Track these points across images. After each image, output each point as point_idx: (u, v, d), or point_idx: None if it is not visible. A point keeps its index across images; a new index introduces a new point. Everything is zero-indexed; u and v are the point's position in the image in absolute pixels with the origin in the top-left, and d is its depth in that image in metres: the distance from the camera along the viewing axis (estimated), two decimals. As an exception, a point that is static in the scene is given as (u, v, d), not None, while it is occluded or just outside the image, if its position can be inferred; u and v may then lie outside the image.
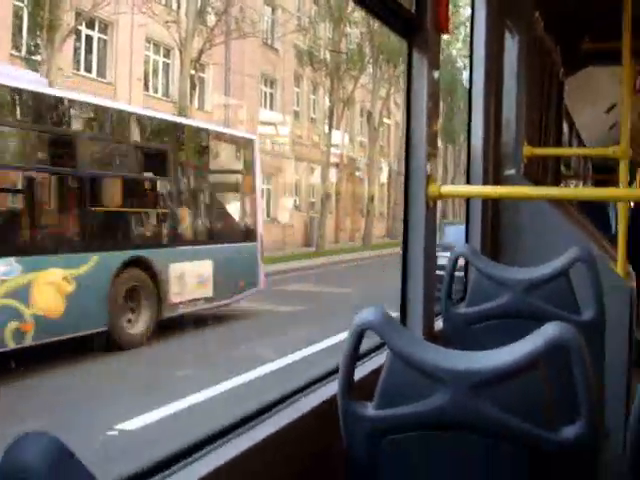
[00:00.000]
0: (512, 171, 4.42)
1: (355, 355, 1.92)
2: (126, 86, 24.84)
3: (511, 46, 4.55)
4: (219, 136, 15.63)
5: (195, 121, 18.15)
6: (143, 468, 1.63)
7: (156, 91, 27.07)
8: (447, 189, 3.19)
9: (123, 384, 9.36)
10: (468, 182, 4.09)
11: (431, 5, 3.05)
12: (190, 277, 13.03)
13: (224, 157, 15.75)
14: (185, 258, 13.05)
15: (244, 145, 15.88)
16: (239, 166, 15.72)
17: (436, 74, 3.09)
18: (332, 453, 2.07)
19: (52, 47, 17.91)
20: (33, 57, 18.46)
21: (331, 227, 35.45)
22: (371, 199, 37.12)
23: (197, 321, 13.30)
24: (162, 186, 13.54)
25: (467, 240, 4.03)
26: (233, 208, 15.79)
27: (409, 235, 3.04)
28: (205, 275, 13.40)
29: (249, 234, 15.50)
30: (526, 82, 4.61)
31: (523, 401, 1.78)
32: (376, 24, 33.83)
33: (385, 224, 42.59)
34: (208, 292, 13.45)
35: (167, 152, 13.35)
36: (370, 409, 1.89)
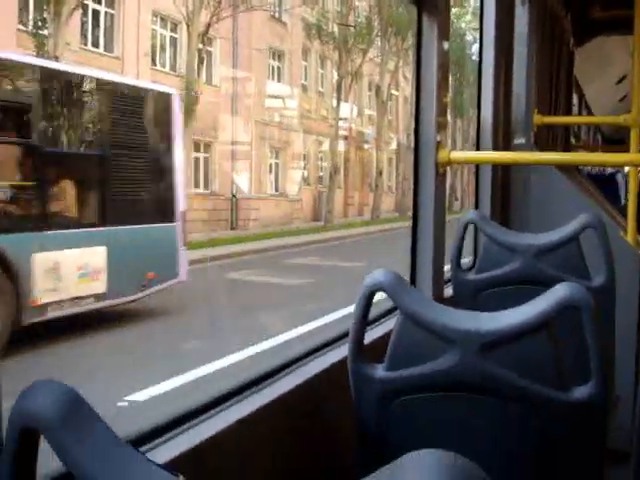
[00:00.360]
0: (522, 140, 4.41)
1: (365, 316, 1.92)
2: (134, 60, 24.76)
3: (521, 15, 4.52)
4: (116, 88, 12.25)
5: (79, 67, 14.14)
6: (151, 427, 1.64)
7: (164, 65, 26.98)
8: (457, 155, 3.18)
9: None
10: (478, 149, 4.08)
11: None
12: (69, 269, 10.13)
13: (128, 114, 11.94)
14: (60, 245, 10.11)
15: (157, 100, 12.75)
16: (149, 126, 12.37)
17: (446, 43, 3.08)
18: (342, 415, 2.08)
19: (59, 21, 17.80)
20: (40, 31, 18.36)
21: (340, 201, 35.41)
22: (379, 173, 37.03)
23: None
24: (24, 152, 10.32)
25: (476, 207, 4.04)
26: (141, 180, 12.15)
27: (419, 201, 3.04)
28: (93, 266, 10.48)
29: (164, 213, 12.13)
30: (536, 51, 4.58)
31: (533, 362, 1.79)
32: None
33: (394, 198, 42.48)
34: (99, 287, 10.57)
35: (31, 107, 10.21)
36: (380, 371, 1.90)
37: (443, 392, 1.85)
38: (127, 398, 7.53)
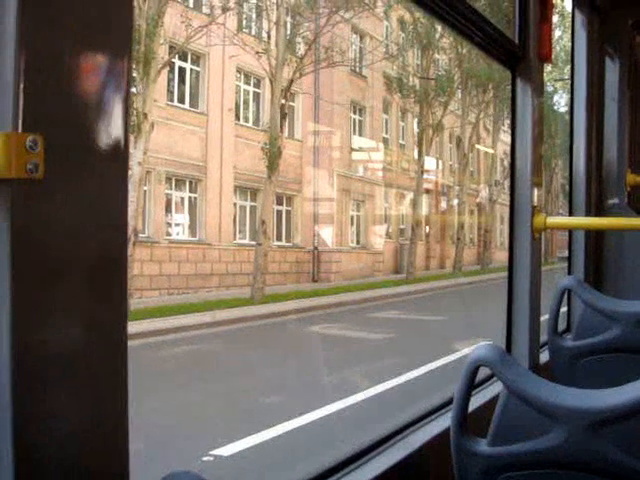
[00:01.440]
0: (615, 200, 4.33)
1: (469, 391, 1.90)
2: (218, 116, 25.29)
3: (611, 71, 4.47)
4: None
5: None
6: None
7: (247, 120, 27.48)
8: (552, 221, 3.15)
9: None
10: (571, 212, 4.03)
11: (534, 35, 3.04)
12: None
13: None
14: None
15: None
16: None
17: (540, 102, 3.07)
18: None
19: (147, 79, 18.36)
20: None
21: (421, 254, 35.26)
22: (461, 226, 36.82)
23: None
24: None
25: (570, 271, 3.97)
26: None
27: (514, 266, 3.01)
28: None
29: None
30: (628, 107, 4.52)
31: None
32: (464, 49, 33.76)
33: (475, 251, 42.12)
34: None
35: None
36: (484, 446, 1.87)
37: (549, 470, 1.80)
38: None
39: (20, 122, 0.90)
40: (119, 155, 1.03)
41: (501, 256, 35.26)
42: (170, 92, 24.16)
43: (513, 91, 3.07)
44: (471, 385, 1.90)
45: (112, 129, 1.02)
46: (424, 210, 35.91)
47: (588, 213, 3.95)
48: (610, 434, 1.72)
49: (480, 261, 40.19)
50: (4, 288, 0.91)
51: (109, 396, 1.04)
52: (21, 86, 0.90)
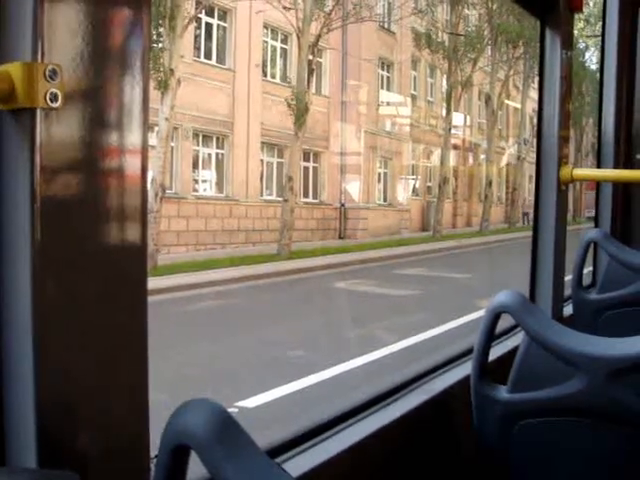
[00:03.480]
0: None
1: (490, 338, 1.91)
2: (245, 72, 25.18)
3: None
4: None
5: None
6: (280, 442, 1.67)
7: (274, 77, 27.35)
8: (580, 172, 3.12)
9: None
10: (599, 165, 3.99)
11: None
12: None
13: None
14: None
15: None
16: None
17: (569, 54, 3.02)
18: (463, 434, 2.06)
19: (174, 35, 18.30)
20: (155, 45, 18.88)
21: (448, 212, 35.14)
22: (489, 184, 36.59)
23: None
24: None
25: (597, 224, 3.94)
26: None
27: (540, 218, 2.99)
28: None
29: None
30: None
31: None
32: (494, 5, 33.28)
33: (503, 209, 41.92)
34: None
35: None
36: (504, 392, 1.88)
37: (567, 417, 1.82)
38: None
39: (40, 52, 0.91)
40: (138, 90, 1.03)
41: (529, 214, 35.04)
42: (197, 48, 24.07)
43: (542, 41, 3.03)
44: (492, 331, 1.91)
45: (132, 64, 1.02)
46: (451, 168, 35.68)
47: (616, 166, 3.90)
48: (630, 382, 1.73)
49: (507, 219, 40.00)
50: (25, 219, 0.92)
51: (128, 352, 1.05)
52: (41, 16, 0.90)
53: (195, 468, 1.01)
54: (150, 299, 1.09)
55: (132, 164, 1.03)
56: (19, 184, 0.93)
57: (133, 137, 1.03)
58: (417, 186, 35.04)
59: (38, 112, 0.91)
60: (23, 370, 0.94)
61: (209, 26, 24.64)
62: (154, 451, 1.01)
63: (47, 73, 0.89)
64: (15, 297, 0.95)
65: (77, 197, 0.96)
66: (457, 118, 34.90)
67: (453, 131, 33.71)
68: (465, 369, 2.16)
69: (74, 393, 0.98)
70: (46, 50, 0.91)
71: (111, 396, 1.03)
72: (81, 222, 0.97)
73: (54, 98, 0.90)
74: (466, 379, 2.01)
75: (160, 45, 18.71)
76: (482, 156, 38.56)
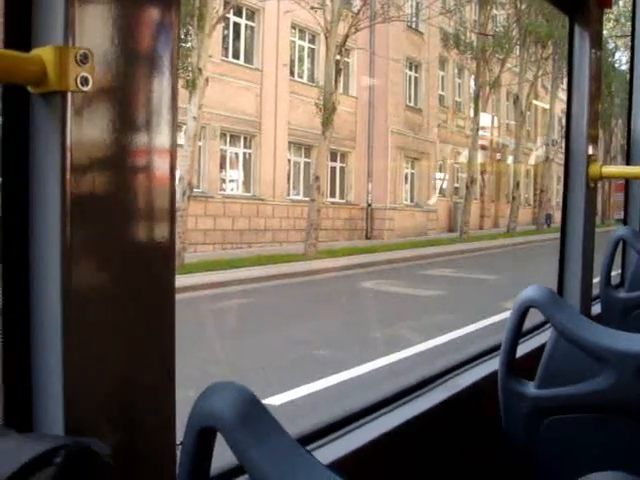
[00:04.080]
0: None
1: (518, 332, 1.90)
2: (273, 72, 25.25)
3: None
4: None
5: None
6: (309, 431, 1.68)
7: (301, 76, 27.39)
8: (609, 169, 3.09)
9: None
10: (628, 163, 3.96)
11: None
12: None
13: None
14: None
15: None
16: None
17: (598, 52, 3.00)
18: (489, 430, 2.06)
19: (202, 34, 18.37)
20: (184, 45, 18.97)
21: (475, 213, 35.01)
22: (517, 185, 36.40)
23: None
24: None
25: (625, 222, 3.91)
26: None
27: (568, 215, 2.97)
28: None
29: None
30: None
31: None
32: (523, 5, 33.10)
33: (531, 211, 41.70)
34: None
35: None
36: (531, 388, 1.88)
37: (596, 413, 1.81)
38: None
39: (71, 36, 0.92)
40: (166, 81, 1.04)
41: (557, 217, 34.82)
42: (225, 48, 24.16)
43: (570, 39, 3.01)
44: (520, 326, 1.90)
45: (160, 56, 1.03)
46: (479, 168, 35.54)
47: None
48: None
49: (535, 221, 39.78)
50: (56, 202, 0.93)
51: (157, 344, 1.06)
52: (73, 1, 0.91)
53: (221, 451, 1.01)
54: (177, 297, 1.10)
55: (160, 151, 1.04)
56: (49, 167, 0.94)
57: (161, 126, 1.04)
58: (444, 187, 34.94)
59: (69, 96, 0.92)
60: (53, 354, 0.95)
61: (237, 26, 24.73)
62: (180, 438, 1.02)
63: (78, 57, 0.90)
64: (45, 285, 0.96)
65: (106, 180, 0.97)
66: (485, 119, 34.77)
67: (481, 132, 33.58)
68: (492, 365, 2.15)
69: (103, 377, 0.98)
70: (77, 35, 0.92)
71: (139, 385, 1.03)
72: (110, 210, 0.98)
73: (85, 82, 0.91)
74: (493, 375, 2.00)
75: (189, 44, 18.80)
76: (510, 157, 38.36)
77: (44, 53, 0.90)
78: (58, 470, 0.78)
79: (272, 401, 7.42)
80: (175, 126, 1.06)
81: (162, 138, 1.04)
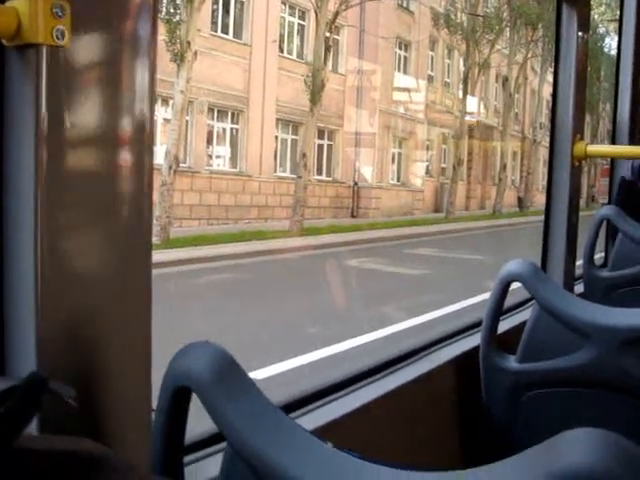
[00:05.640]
0: None
1: (500, 306, 1.90)
2: (262, 47, 25.09)
3: None
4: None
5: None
6: (289, 400, 1.67)
7: (290, 53, 27.25)
8: (593, 148, 3.09)
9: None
10: (613, 143, 3.97)
11: None
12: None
13: None
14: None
15: None
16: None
17: (586, 36, 2.99)
18: (470, 404, 2.06)
19: (191, 8, 18.22)
20: (173, 18, 18.82)
21: (461, 194, 35.03)
22: (503, 167, 36.44)
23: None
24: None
25: (609, 202, 3.92)
26: None
27: (553, 194, 2.98)
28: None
29: None
30: None
31: None
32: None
33: (516, 193, 41.77)
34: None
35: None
36: (513, 362, 1.88)
37: (577, 388, 1.81)
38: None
39: None
40: (146, 41, 1.02)
41: (542, 199, 34.78)
42: (214, 23, 23.97)
43: (558, 22, 3.00)
44: (502, 300, 1.90)
45: (141, 14, 1.02)
46: (466, 150, 35.53)
47: (631, 144, 3.88)
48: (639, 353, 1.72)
49: (521, 203, 39.86)
50: (30, 157, 0.91)
51: (133, 307, 1.04)
52: None
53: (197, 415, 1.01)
54: (160, 271, 1.08)
55: (139, 118, 1.02)
56: (24, 120, 0.92)
57: (139, 91, 1.02)
58: (431, 167, 34.93)
59: (44, 49, 0.90)
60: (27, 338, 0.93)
61: (227, 0, 24.54)
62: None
63: (54, 9, 0.88)
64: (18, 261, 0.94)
65: (82, 134, 0.95)
66: (473, 100, 34.72)
67: (469, 114, 33.55)
68: (474, 340, 2.16)
69: (76, 328, 0.97)
70: None
71: (116, 353, 1.02)
72: (87, 164, 0.97)
73: (61, 35, 0.89)
74: (474, 350, 2.00)
75: (177, 18, 18.66)
76: (498, 140, 38.36)
77: (19, 4, 0.88)
78: (17, 405, 0.76)
79: (256, 375, 7.44)
80: (154, 91, 1.04)
81: (141, 103, 1.02)
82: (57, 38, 0.88)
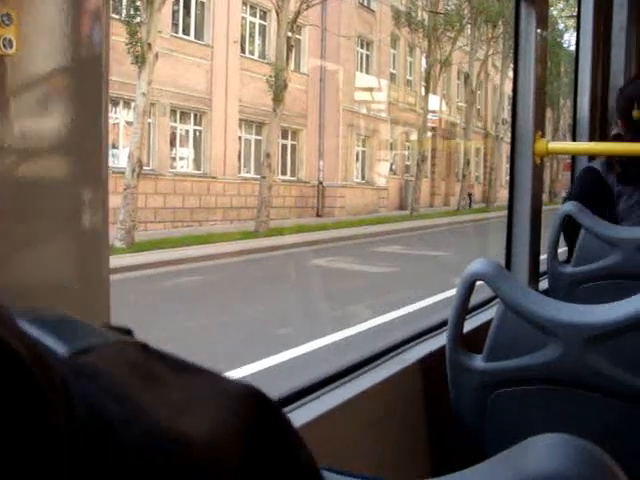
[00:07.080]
0: (620, 131, 4.28)
1: (465, 306, 1.90)
2: (223, 48, 25.02)
3: (621, 1, 4.39)
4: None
5: None
6: None
7: (252, 53, 27.21)
8: (555, 146, 3.11)
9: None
10: (574, 140, 4.00)
11: None
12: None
13: None
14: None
15: None
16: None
17: (544, 32, 3.01)
18: (437, 405, 2.06)
19: (152, 9, 18.11)
20: (133, 19, 18.69)
21: (426, 191, 35.21)
22: (467, 163, 36.68)
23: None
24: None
25: (572, 197, 3.94)
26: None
27: (515, 191, 2.99)
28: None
29: None
30: (637, 40, 4.44)
31: (639, 358, 1.73)
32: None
33: (481, 189, 42.05)
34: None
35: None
36: (479, 361, 1.88)
37: (543, 385, 1.82)
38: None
39: None
40: (97, 45, 1.00)
41: (506, 194, 35.04)
42: (175, 24, 23.87)
43: (517, 19, 3.01)
44: (467, 299, 1.90)
45: (92, 16, 0.99)
46: (429, 147, 35.72)
47: (592, 139, 3.92)
48: (605, 350, 1.73)
49: (485, 199, 40.14)
50: None
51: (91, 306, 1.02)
52: None
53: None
54: (125, 276, 1.06)
55: (91, 126, 0.99)
56: None
57: (92, 99, 1.00)
58: (395, 165, 35.06)
59: None
60: None
61: (187, 1, 24.44)
62: None
63: (1, 18, 0.86)
64: None
65: (32, 144, 0.93)
66: (436, 98, 34.90)
67: (431, 111, 33.73)
68: (440, 341, 2.15)
69: None
70: None
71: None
72: (37, 175, 0.94)
73: (8, 44, 0.86)
74: (441, 350, 2.00)
75: (138, 19, 18.53)
76: (461, 136, 38.59)
77: None
78: None
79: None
80: (107, 98, 1.02)
81: (94, 111, 0.99)
82: (4, 47, 0.86)
